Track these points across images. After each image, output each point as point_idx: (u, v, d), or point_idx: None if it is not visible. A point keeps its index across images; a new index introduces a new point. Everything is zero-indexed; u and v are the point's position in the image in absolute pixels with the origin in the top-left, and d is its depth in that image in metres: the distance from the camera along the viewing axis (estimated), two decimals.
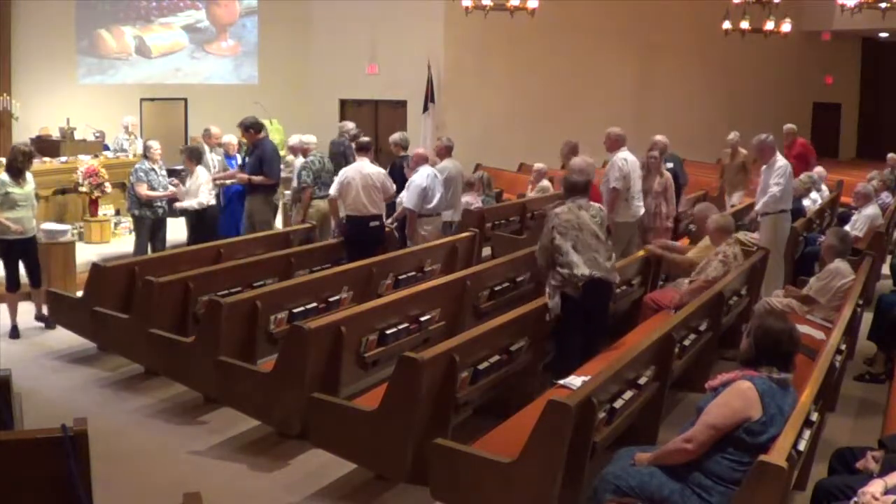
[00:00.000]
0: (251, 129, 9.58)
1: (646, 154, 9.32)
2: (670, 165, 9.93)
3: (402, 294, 6.42)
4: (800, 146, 12.52)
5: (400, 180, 9.25)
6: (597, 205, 6.21)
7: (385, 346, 5.79)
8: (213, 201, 9.57)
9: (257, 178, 9.50)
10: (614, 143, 8.91)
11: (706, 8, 16.84)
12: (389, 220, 9.08)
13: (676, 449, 3.90)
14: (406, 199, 8.80)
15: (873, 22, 14.95)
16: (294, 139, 10.56)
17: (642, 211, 8.87)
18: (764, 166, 8.80)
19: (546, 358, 6.12)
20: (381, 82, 16.59)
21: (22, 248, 7.65)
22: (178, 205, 9.40)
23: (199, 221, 9.64)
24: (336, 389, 5.40)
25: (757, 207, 8.81)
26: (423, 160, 8.93)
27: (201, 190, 9.42)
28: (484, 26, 13.76)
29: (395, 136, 10.19)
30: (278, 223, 10.88)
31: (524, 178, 13.91)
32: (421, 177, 8.75)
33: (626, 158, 8.77)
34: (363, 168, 8.46)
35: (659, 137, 10.57)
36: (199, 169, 9.52)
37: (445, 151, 9.79)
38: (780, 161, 8.74)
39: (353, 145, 9.25)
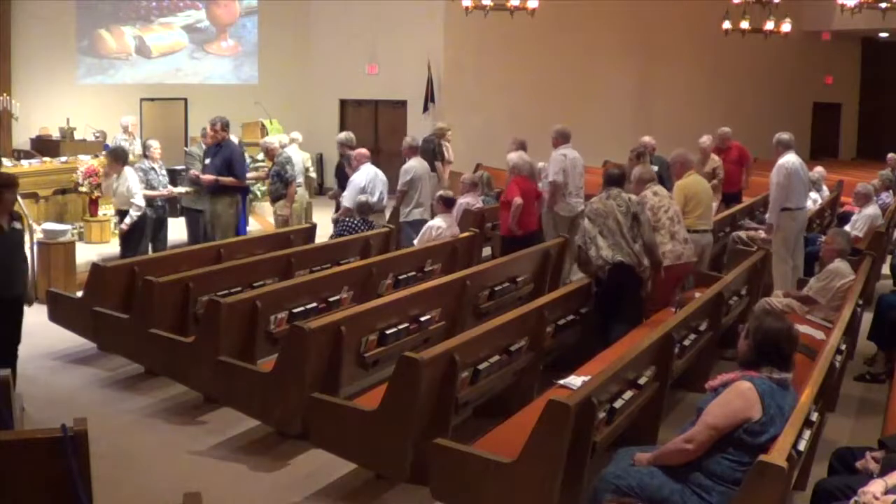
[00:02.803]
0: (224, 127, 9.35)
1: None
2: (654, 168, 9.94)
3: (402, 294, 6.42)
4: (736, 150, 11.67)
5: (342, 179, 9.86)
6: (627, 195, 6.75)
7: (385, 346, 5.79)
8: (143, 202, 8.97)
9: (226, 180, 9.25)
10: (557, 140, 9.45)
11: (706, 8, 16.85)
12: (332, 217, 9.66)
13: (677, 449, 3.90)
14: (345, 196, 9.40)
15: (873, 22, 14.95)
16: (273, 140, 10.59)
17: (581, 207, 9.28)
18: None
19: (546, 358, 6.13)
20: (381, 82, 16.60)
21: None
22: (122, 227, 8.87)
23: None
24: (336, 389, 5.40)
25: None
26: (364, 159, 9.47)
27: (133, 192, 8.86)
28: (484, 26, 13.76)
29: (342, 136, 10.43)
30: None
31: None
32: (360, 175, 9.33)
33: (566, 154, 9.33)
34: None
35: (645, 139, 10.64)
36: (127, 170, 8.98)
37: (411, 151, 10.02)
38: (782, 159, 8.67)
39: (440, 197, 9.04)
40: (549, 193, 9.30)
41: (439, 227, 8.51)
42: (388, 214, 10.30)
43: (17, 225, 5.87)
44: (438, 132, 12.45)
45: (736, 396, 3.81)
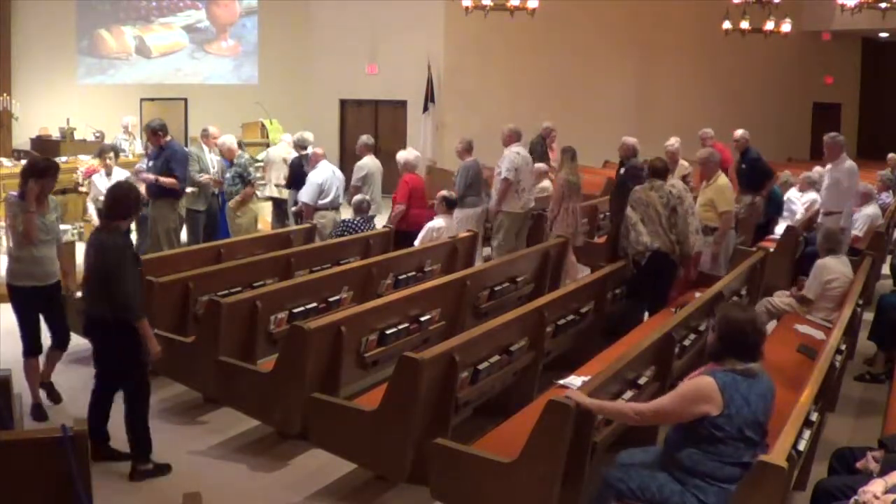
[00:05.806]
0: (159, 131, 8.99)
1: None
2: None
3: (402, 294, 6.42)
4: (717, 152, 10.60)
5: (297, 177, 10.11)
6: (668, 188, 7.19)
7: (385, 346, 5.79)
8: None
9: (166, 181, 8.81)
10: (509, 138, 9.62)
11: (706, 8, 16.85)
12: (293, 210, 9.89)
13: (623, 413, 4.17)
14: (302, 193, 9.69)
15: (873, 22, 14.94)
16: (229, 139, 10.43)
17: (532, 203, 9.72)
18: (829, 165, 8.93)
19: (546, 358, 6.13)
20: (381, 82, 16.60)
21: (44, 300, 5.89)
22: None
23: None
24: (336, 389, 5.40)
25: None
26: (321, 158, 9.82)
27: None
28: (484, 26, 13.76)
29: (295, 136, 10.69)
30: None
31: None
32: (317, 174, 9.64)
33: (519, 152, 9.54)
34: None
35: (626, 139, 10.48)
36: (115, 168, 9.24)
37: (366, 150, 10.12)
38: (849, 161, 8.79)
39: (442, 197, 9.05)
40: (500, 191, 9.41)
41: (440, 227, 8.50)
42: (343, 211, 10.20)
43: None
44: (545, 132, 12.49)
45: (692, 391, 3.83)
